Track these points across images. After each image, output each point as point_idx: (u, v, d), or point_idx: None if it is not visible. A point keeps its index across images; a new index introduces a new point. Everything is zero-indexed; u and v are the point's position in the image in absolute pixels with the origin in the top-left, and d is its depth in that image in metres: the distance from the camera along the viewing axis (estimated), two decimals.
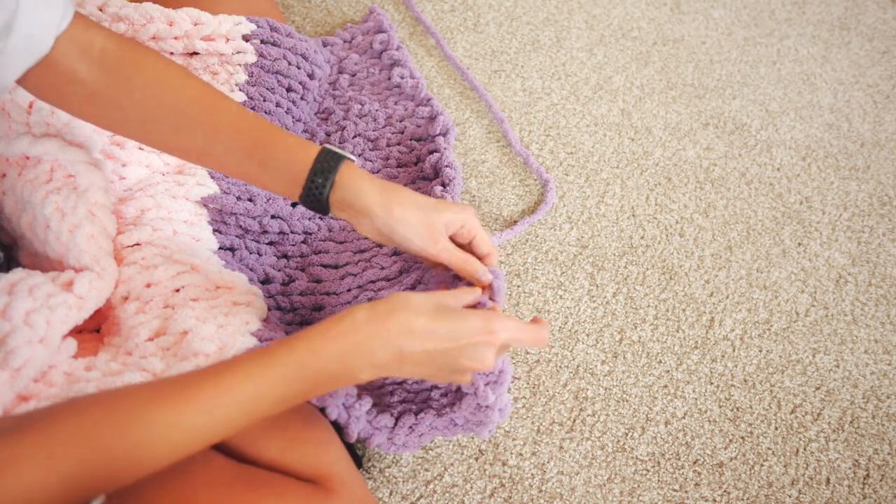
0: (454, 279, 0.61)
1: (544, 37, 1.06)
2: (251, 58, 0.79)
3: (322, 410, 0.59)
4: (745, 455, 0.71)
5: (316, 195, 0.55)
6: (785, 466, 0.71)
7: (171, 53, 0.77)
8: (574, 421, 0.72)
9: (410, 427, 0.61)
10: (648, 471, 0.70)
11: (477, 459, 0.69)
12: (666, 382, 0.75)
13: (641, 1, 1.14)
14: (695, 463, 0.71)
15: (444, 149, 0.85)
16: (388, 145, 0.87)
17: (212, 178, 0.72)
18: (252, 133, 0.55)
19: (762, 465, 0.71)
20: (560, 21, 1.09)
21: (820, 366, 0.78)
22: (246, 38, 0.80)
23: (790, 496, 0.69)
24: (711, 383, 0.76)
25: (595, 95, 1.00)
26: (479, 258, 0.61)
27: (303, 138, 0.57)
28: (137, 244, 0.64)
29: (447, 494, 0.66)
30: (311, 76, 0.85)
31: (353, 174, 0.56)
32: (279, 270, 0.75)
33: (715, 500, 0.69)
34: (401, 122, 0.90)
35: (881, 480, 0.71)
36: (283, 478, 0.54)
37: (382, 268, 0.75)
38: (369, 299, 0.72)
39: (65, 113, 0.63)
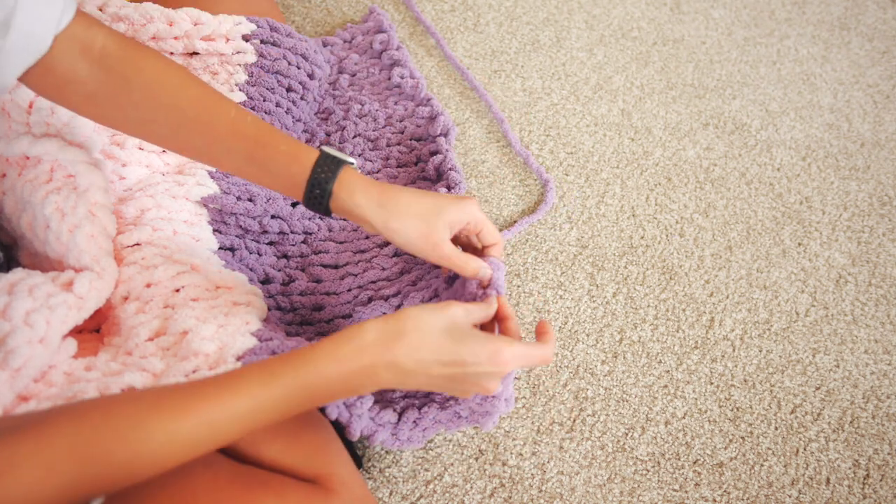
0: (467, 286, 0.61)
1: (544, 37, 1.06)
2: (251, 58, 0.79)
3: (322, 410, 0.59)
4: (745, 455, 0.71)
5: (315, 204, 0.56)
6: (785, 466, 0.71)
7: (171, 53, 0.77)
8: (574, 421, 0.72)
9: (414, 421, 0.61)
10: (648, 471, 0.70)
11: (477, 459, 0.69)
12: (666, 382, 0.75)
13: (641, 1, 1.14)
14: (695, 463, 0.71)
15: (447, 150, 0.85)
16: (388, 145, 0.87)
17: (212, 178, 0.72)
18: (251, 137, 0.55)
19: (762, 465, 0.71)
20: (560, 21, 1.09)
21: (820, 366, 0.78)
22: (246, 38, 0.80)
23: (790, 496, 0.69)
24: (711, 383, 0.76)
25: (595, 95, 1.00)
26: (486, 247, 0.61)
27: (302, 141, 0.57)
28: (137, 244, 0.64)
29: (447, 494, 0.66)
30: (311, 76, 0.85)
31: (351, 186, 0.56)
32: (279, 270, 0.75)
33: (715, 500, 0.69)
34: (401, 122, 0.90)
35: (881, 480, 0.71)
36: (283, 478, 0.54)
37: (383, 268, 0.75)
38: (370, 298, 0.72)
39: (65, 113, 0.63)
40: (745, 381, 0.76)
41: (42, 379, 0.52)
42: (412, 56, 1.01)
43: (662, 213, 0.89)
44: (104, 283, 0.59)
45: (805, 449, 0.72)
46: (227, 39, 0.78)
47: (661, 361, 0.77)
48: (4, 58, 0.48)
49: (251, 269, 0.73)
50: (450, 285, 0.66)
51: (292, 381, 0.47)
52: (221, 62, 0.79)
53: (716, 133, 0.98)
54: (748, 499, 0.69)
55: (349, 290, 0.74)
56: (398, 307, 0.69)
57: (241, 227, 0.72)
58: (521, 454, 0.69)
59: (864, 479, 0.71)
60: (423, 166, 0.85)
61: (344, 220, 0.79)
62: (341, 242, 0.78)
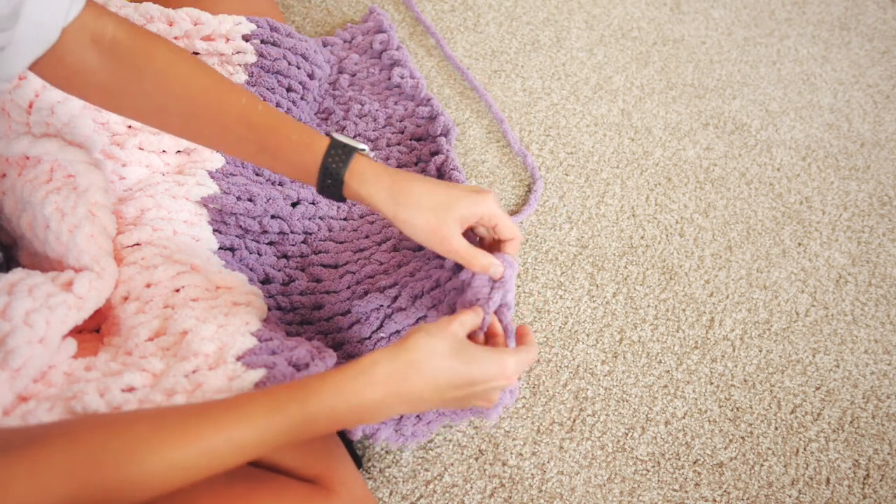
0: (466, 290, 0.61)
1: (544, 37, 1.06)
2: (251, 58, 0.79)
3: None
4: (745, 455, 0.71)
5: (329, 193, 0.56)
6: (785, 466, 0.71)
7: None
8: (574, 421, 0.72)
9: (418, 416, 0.61)
10: (648, 471, 0.70)
11: (477, 459, 0.69)
12: (666, 382, 0.75)
13: (641, 1, 1.14)
14: (695, 463, 0.71)
15: (448, 150, 0.85)
16: (388, 145, 0.87)
17: (212, 178, 0.72)
18: (262, 126, 0.55)
19: (762, 465, 0.71)
20: (560, 21, 1.09)
21: (820, 366, 0.78)
22: (246, 38, 0.80)
23: (790, 496, 0.69)
24: (711, 383, 0.76)
25: (595, 95, 1.00)
26: (503, 242, 0.60)
27: (313, 130, 0.57)
28: (137, 244, 0.64)
29: (447, 494, 0.66)
30: (311, 76, 0.85)
31: (363, 174, 0.55)
32: (279, 270, 0.75)
33: (715, 500, 0.69)
34: (401, 122, 0.90)
35: (881, 480, 0.71)
36: (283, 478, 0.54)
37: (380, 263, 0.75)
38: (366, 291, 0.71)
39: (65, 113, 0.63)
40: (745, 381, 0.76)
41: (42, 379, 0.52)
42: (412, 56, 1.01)
43: (662, 213, 0.89)
44: (104, 283, 0.59)
45: (805, 449, 0.72)
46: (227, 39, 0.79)
47: (661, 361, 0.77)
48: (13, 48, 0.47)
49: (251, 269, 0.73)
50: (454, 274, 0.66)
51: (298, 414, 0.46)
52: (221, 62, 0.79)
53: (716, 133, 0.98)
54: (748, 499, 0.69)
55: (348, 288, 0.74)
56: (395, 298, 0.69)
57: (241, 227, 0.72)
58: (521, 454, 0.69)
59: (864, 479, 0.71)
60: (423, 166, 0.85)
61: (344, 220, 0.79)
62: (341, 242, 0.78)
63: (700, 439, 0.72)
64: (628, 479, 0.69)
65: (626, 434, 0.72)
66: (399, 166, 0.86)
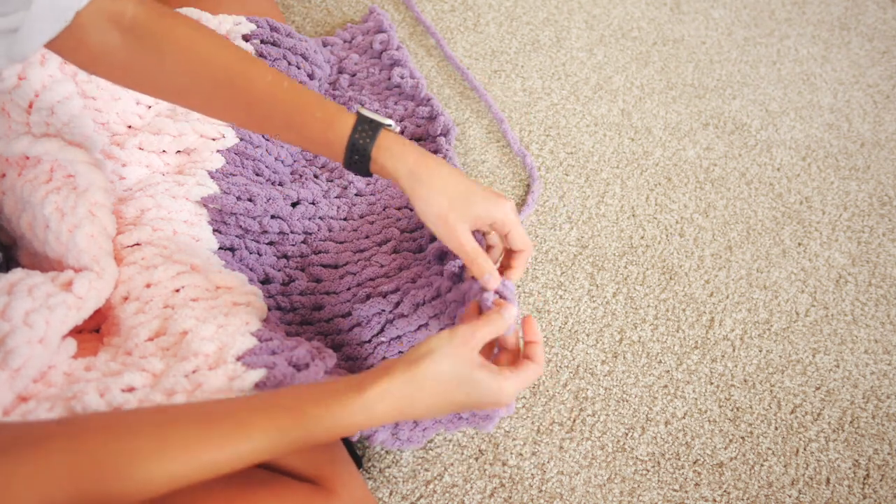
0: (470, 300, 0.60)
1: (544, 37, 1.06)
2: None
3: None
4: (745, 455, 0.71)
5: (356, 168, 0.56)
6: (785, 466, 0.71)
7: None
8: (574, 421, 0.72)
9: (414, 422, 0.61)
10: (648, 471, 0.70)
11: (477, 459, 0.69)
12: (666, 382, 0.75)
13: (641, 1, 1.14)
14: (695, 463, 0.71)
15: (448, 150, 0.85)
16: None
17: (212, 178, 0.72)
18: (287, 103, 0.55)
19: (762, 465, 0.71)
20: (560, 21, 1.09)
21: (820, 366, 0.78)
22: (246, 38, 0.80)
23: (790, 496, 0.69)
24: (711, 383, 0.76)
25: (595, 95, 1.00)
26: (513, 252, 0.60)
27: (339, 106, 0.56)
28: (137, 244, 0.64)
29: (447, 494, 0.66)
30: (310, 76, 0.85)
31: (389, 150, 0.55)
32: (279, 270, 0.75)
33: (715, 500, 0.69)
34: (401, 122, 0.90)
35: (881, 480, 0.71)
36: (283, 478, 0.54)
37: (381, 265, 0.75)
38: (368, 295, 0.71)
39: (65, 113, 0.63)
40: (745, 381, 0.76)
41: (42, 379, 0.52)
42: (412, 56, 1.00)
43: (662, 213, 0.89)
44: (104, 283, 0.59)
45: (805, 449, 0.72)
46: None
47: (661, 361, 0.77)
48: (28, 27, 0.47)
49: (251, 269, 0.73)
50: (454, 284, 0.66)
51: (300, 438, 0.46)
52: None
53: (716, 133, 0.98)
54: (748, 499, 0.69)
55: (348, 289, 0.74)
56: (397, 304, 0.69)
57: (241, 227, 0.72)
58: (521, 454, 0.69)
59: (864, 479, 0.71)
60: None
61: (344, 220, 0.80)
62: (341, 242, 0.78)
63: (700, 439, 0.72)
64: (628, 479, 0.69)
65: (626, 434, 0.72)
66: None
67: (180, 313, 0.58)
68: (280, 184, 0.80)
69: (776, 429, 0.73)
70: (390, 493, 0.66)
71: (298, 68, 0.83)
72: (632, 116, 0.99)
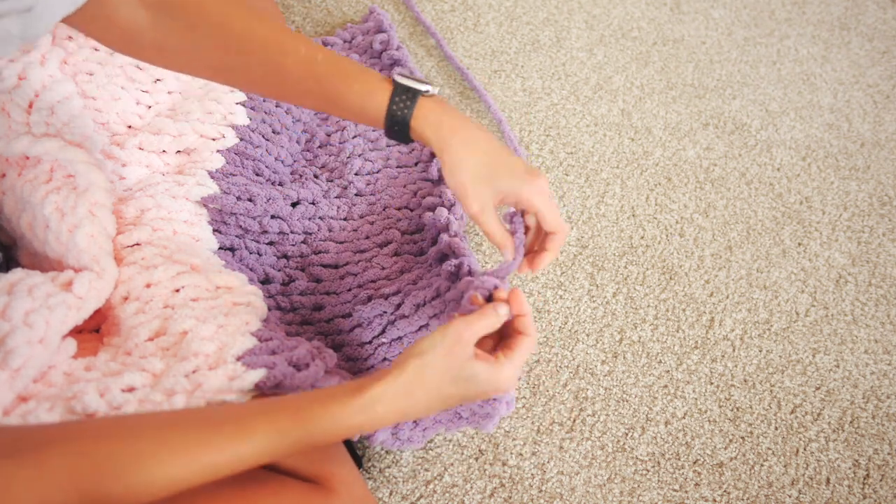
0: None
1: (544, 37, 1.06)
2: None
3: None
4: (745, 455, 0.71)
5: (397, 137, 0.56)
6: (785, 466, 0.71)
7: None
8: (574, 421, 0.72)
9: (414, 422, 0.61)
10: (648, 471, 0.70)
11: (477, 459, 0.69)
12: (666, 382, 0.75)
13: (641, 1, 1.14)
14: (695, 463, 0.71)
15: None
16: (388, 145, 0.87)
17: (212, 178, 0.72)
18: (322, 77, 0.54)
19: (762, 465, 0.71)
20: (560, 21, 1.09)
21: (820, 366, 0.78)
22: None
23: (790, 496, 0.69)
24: (711, 383, 0.76)
25: (595, 95, 1.00)
26: (548, 235, 0.58)
27: (375, 75, 0.55)
28: (137, 244, 0.64)
29: (447, 494, 0.66)
30: None
31: (426, 118, 0.54)
32: (279, 270, 0.75)
33: (715, 500, 0.69)
34: None
35: (881, 480, 0.71)
36: (283, 477, 0.54)
37: (383, 267, 0.75)
38: (369, 297, 0.72)
39: (65, 113, 0.63)
40: (745, 381, 0.76)
41: (42, 379, 0.52)
42: (412, 56, 1.00)
43: (662, 213, 0.89)
44: (104, 283, 0.59)
45: (805, 449, 0.72)
46: None
47: (661, 361, 0.77)
48: (43, 5, 0.45)
49: (251, 269, 0.73)
50: (452, 283, 0.66)
51: (301, 440, 0.46)
52: None
53: (716, 133, 0.98)
54: (748, 499, 0.69)
55: (349, 290, 0.74)
56: (399, 305, 0.69)
57: (241, 227, 0.72)
58: (521, 454, 0.69)
59: (864, 479, 0.71)
60: (423, 167, 0.85)
61: (344, 220, 0.80)
62: (341, 242, 0.78)
63: (700, 439, 0.72)
64: (628, 479, 0.69)
65: (626, 434, 0.72)
66: (399, 166, 0.86)
67: (180, 313, 0.58)
68: (280, 184, 0.80)
69: (776, 429, 0.73)
70: (390, 493, 0.66)
71: None
72: (632, 116, 0.99)
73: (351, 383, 0.49)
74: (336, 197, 0.80)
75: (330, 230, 0.78)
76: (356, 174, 0.83)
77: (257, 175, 0.78)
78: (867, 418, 0.75)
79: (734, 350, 0.78)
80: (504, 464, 0.69)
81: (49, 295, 0.54)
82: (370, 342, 0.69)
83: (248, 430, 0.45)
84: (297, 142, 0.84)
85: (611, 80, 1.02)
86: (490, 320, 0.53)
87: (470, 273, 0.66)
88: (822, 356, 0.79)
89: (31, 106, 0.62)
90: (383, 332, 0.69)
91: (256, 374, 0.54)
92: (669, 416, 0.73)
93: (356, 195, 0.81)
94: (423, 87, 0.54)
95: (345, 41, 1.00)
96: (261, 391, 0.54)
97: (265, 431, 0.45)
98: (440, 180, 0.83)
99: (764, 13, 1.15)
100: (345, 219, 0.80)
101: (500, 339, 0.55)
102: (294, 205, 0.77)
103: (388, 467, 0.67)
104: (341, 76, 0.54)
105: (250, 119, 0.78)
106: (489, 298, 0.56)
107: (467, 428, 0.69)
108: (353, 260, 0.76)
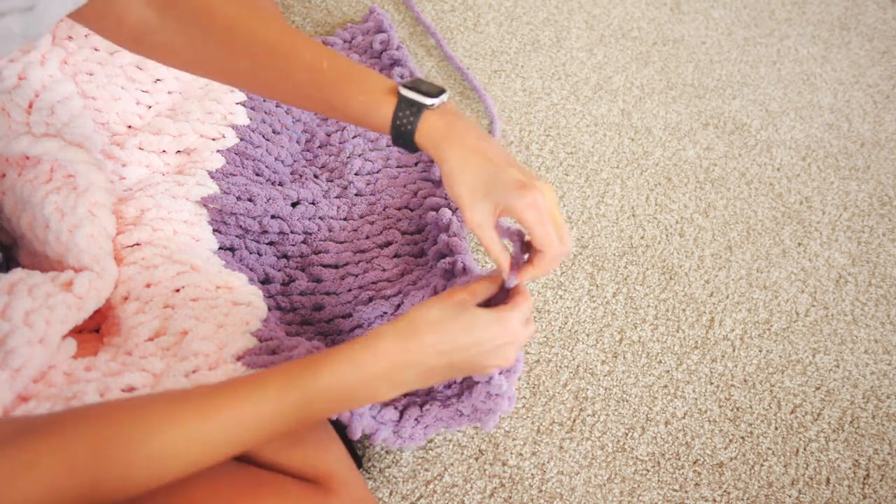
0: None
1: (544, 37, 1.06)
2: None
3: None
4: (745, 455, 0.71)
5: (402, 146, 0.55)
6: (785, 466, 0.71)
7: None
8: (574, 421, 0.72)
9: (416, 419, 0.61)
10: (648, 471, 0.70)
11: (477, 459, 0.69)
12: (666, 382, 0.75)
13: (641, 1, 1.14)
14: (695, 463, 0.71)
15: None
16: (388, 145, 0.87)
17: (212, 178, 0.72)
18: (327, 84, 0.54)
19: (762, 465, 0.71)
20: (560, 21, 1.09)
21: (820, 366, 0.78)
22: None
23: (790, 496, 0.69)
24: (711, 383, 0.76)
25: (595, 95, 1.00)
26: (535, 253, 0.56)
27: (379, 84, 0.55)
28: (137, 244, 0.64)
29: (447, 494, 0.66)
30: None
31: (429, 133, 0.53)
32: (279, 270, 0.75)
33: (715, 500, 0.69)
34: None
35: (881, 480, 0.71)
36: (283, 477, 0.54)
37: (384, 269, 0.75)
38: (370, 298, 0.72)
39: (65, 112, 0.63)
40: (745, 381, 0.76)
41: (42, 379, 0.52)
42: (412, 56, 1.00)
43: (662, 213, 0.89)
44: (104, 283, 0.59)
45: (805, 449, 0.72)
46: None
47: (661, 361, 0.77)
48: (45, 4, 0.45)
49: (251, 269, 0.73)
50: (448, 282, 0.66)
51: (311, 388, 0.47)
52: None
53: (716, 133, 0.98)
54: (748, 499, 0.69)
55: (349, 291, 0.74)
56: (399, 306, 0.69)
57: (241, 227, 0.72)
58: (521, 454, 0.69)
59: (864, 479, 0.71)
60: (423, 167, 0.85)
61: (344, 220, 0.80)
62: (341, 242, 0.78)
63: (700, 439, 0.72)
64: (628, 479, 0.69)
65: (626, 434, 0.72)
66: (399, 166, 0.86)
67: (180, 313, 0.58)
68: (280, 184, 0.80)
69: (776, 429, 0.73)
70: (390, 493, 0.66)
71: None
72: (632, 116, 0.99)
73: (344, 344, 0.50)
74: (336, 197, 0.80)
75: (330, 230, 0.78)
76: (356, 174, 0.83)
77: (257, 175, 0.78)
78: (867, 418, 0.75)
79: (734, 350, 0.78)
80: (504, 464, 0.69)
81: (49, 295, 0.54)
82: None
83: (260, 382, 0.46)
84: (297, 142, 0.84)
85: (611, 80, 1.02)
86: (488, 288, 0.54)
87: (465, 271, 0.66)
88: (822, 356, 0.79)
89: (31, 106, 0.62)
90: None
91: None
92: (669, 416, 0.73)
93: (356, 195, 0.82)
94: (427, 102, 0.53)
95: (345, 41, 1.00)
96: None
97: (276, 381, 0.46)
98: (441, 180, 0.84)
99: (764, 13, 1.15)
100: (345, 219, 0.80)
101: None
102: (294, 205, 0.77)
103: (388, 467, 0.67)
104: (345, 84, 0.54)
105: (250, 119, 0.78)
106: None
107: (468, 426, 0.69)
108: (354, 260, 0.76)
